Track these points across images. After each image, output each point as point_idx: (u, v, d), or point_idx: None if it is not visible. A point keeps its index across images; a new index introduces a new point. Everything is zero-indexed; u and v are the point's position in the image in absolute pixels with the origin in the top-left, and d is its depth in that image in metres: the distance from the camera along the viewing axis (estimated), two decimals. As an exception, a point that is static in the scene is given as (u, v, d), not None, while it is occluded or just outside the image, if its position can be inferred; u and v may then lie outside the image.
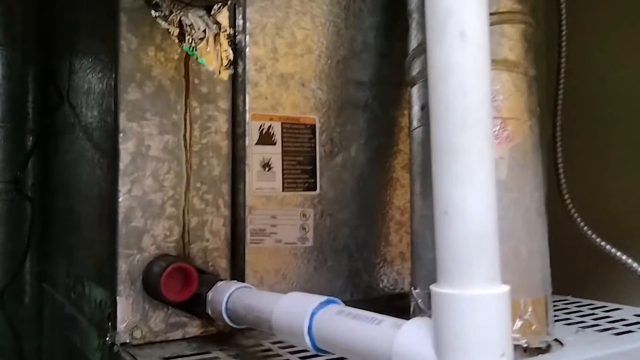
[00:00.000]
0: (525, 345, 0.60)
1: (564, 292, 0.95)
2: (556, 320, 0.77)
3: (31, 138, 1.10)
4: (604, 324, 0.75)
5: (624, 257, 0.84)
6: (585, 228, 0.91)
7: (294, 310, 0.47)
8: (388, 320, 0.39)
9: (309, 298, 0.47)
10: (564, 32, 0.94)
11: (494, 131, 0.64)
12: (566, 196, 0.95)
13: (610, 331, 0.71)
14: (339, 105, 0.77)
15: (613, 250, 0.86)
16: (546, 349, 0.63)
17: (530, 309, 0.61)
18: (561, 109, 0.96)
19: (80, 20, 0.88)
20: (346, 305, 0.46)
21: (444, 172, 0.33)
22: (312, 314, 0.45)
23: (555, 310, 0.84)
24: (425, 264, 0.66)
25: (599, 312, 0.82)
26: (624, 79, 1.05)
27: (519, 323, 0.60)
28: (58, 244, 1.01)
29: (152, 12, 0.66)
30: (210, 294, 0.61)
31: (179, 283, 0.63)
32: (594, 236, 0.89)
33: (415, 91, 0.71)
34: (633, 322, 0.76)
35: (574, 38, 0.94)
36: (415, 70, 0.70)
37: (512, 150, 0.64)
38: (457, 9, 0.33)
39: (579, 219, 0.92)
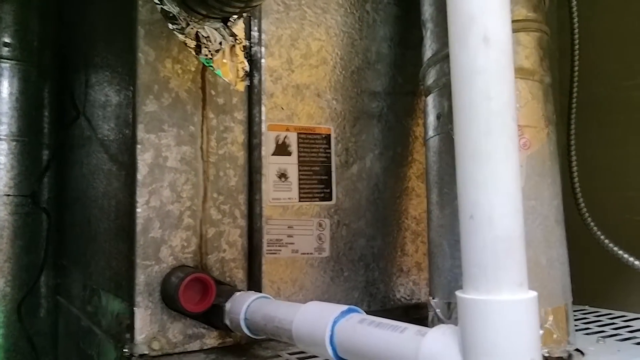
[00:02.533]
0: (546, 354, 0.60)
1: (581, 302, 0.94)
2: (577, 330, 0.76)
3: (47, 152, 1.10)
4: (624, 333, 0.74)
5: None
6: (602, 237, 0.90)
7: (315, 319, 0.46)
8: (412, 328, 0.38)
9: (330, 307, 0.47)
10: (576, 40, 0.94)
11: (511, 139, 0.63)
12: (582, 204, 0.94)
13: (631, 340, 0.70)
14: (354, 116, 0.77)
15: (631, 259, 0.85)
16: (568, 359, 0.62)
17: (551, 318, 0.61)
18: (575, 117, 0.96)
19: (96, 34, 0.89)
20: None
21: (469, 177, 0.33)
22: (334, 323, 0.45)
23: (574, 320, 0.83)
24: (443, 273, 0.66)
25: (618, 322, 0.81)
26: (637, 86, 1.05)
27: (539, 332, 0.60)
28: (74, 256, 1.01)
29: (169, 24, 0.67)
30: (228, 305, 0.61)
31: (197, 294, 0.62)
32: (610, 245, 0.88)
33: (430, 100, 0.71)
34: (654, 331, 0.75)
35: (587, 46, 0.94)
36: (430, 79, 0.70)
37: (530, 158, 0.64)
38: (479, 15, 0.33)
39: (595, 228, 0.91)
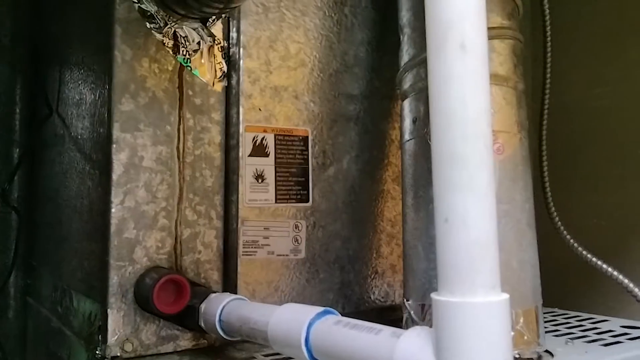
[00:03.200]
0: (517, 356, 0.61)
1: (550, 305, 0.96)
2: (546, 332, 0.77)
3: (18, 150, 1.08)
4: (592, 335, 0.76)
5: (609, 269, 0.85)
6: (572, 241, 0.92)
7: (291, 321, 0.47)
8: (387, 330, 0.39)
9: (305, 309, 0.47)
10: (549, 49, 0.96)
11: (485, 144, 0.65)
12: (552, 209, 0.96)
13: (599, 342, 0.72)
14: (331, 118, 0.78)
15: (599, 262, 0.87)
16: (538, 359, 0.63)
17: (522, 320, 0.62)
18: (546, 123, 0.98)
19: (71, 31, 0.88)
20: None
21: (445, 180, 0.33)
22: (309, 325, 0.45)
23: (544, 322, 0.85)
24: (417, 275, 0.67)
25: (586, 324, 0.83)
26: (605, 95, 1.08)
27: (511, 334, 0.61)
28: (44, 257, 0.99)
29: (147, 23, 0.66)
30: (203, 306, 0.61)
31: (172, 295, 0.62)
32: (580, 249, 0.90)
33: (406, 104, 0.72)
34: (620, 333, 0.77)
35: (558, 54, 0.96)
36: (407, 83, 0.71)
37: (503, 163, 0.65)
38: (457, 21, 0.34)
39: (565, 232, 0.93)
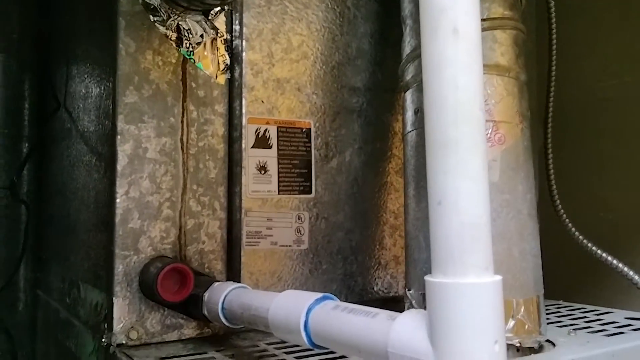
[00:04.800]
0: (517, 344, 0.61)
1: (555, 297, 0.96)
2: (548, 323, 0.77)
3: (27, 144, 1.10)
4: (595, 326, 0.76)
5: (614, 261, 0.85)
6: (577, 233, 0.92)
7: (290, 306, 0.47)
8: (383, 313, 0.39)
9: (305, 295, 0.48)
10: (554, 40, 0.96)
11: (487, 134, 0.65)
12: (557, 202, 0.96)
13: (602, 333, 0.72)
14: (334, 110, 0.78)
15: (604, 255, 0.87)
16: (539, 349, 0.63)
17: (522, 309, 0.62)
18: (552, 115, 0.98)
19: (77, 25, 0.89)
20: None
21: (438, 164, 0.34)
22: (308, 310, 0.45)
23: (547, 314, 0.85)
24: (419, 265, 0.67)
25: (590, 316, 0.83)
26: (614, 87, 1.07)
27: (511, 322, 0.61)
28: (53, 249, 1.01)
29: (151, 16, 0.67)
30: (206, 295, 0.61)
31: (176, 284, 0.63)
32: (585, 241, 0.90)
33: (409, 96, 0.72)
34: (624, 324, 0.77)
35: (565, 45, 0.96)
36: (409, 75, 0.72)
37: (505, 153, 0.65)
38: (450, 7, 0.34)
39: (570, 224, 0.93)
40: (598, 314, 0.84)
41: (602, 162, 1.07)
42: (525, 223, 0.65)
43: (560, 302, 0.95)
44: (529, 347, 0.63)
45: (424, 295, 0.64)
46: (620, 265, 0.85)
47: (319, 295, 0.47)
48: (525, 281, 0.64)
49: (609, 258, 0.86)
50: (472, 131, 0.33)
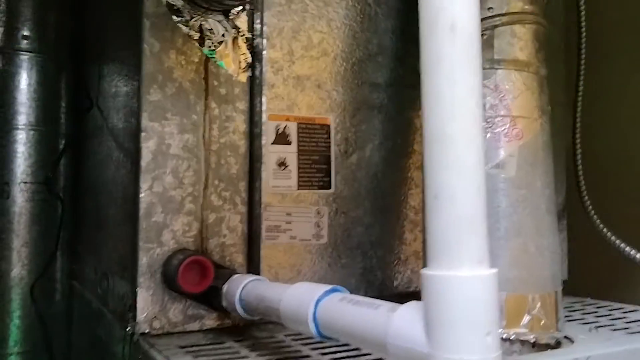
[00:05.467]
0: (533, 340, 0.61)
1: (583, 294, 0.95)
2: (572, 320, 0.77)
3: (63, 141, 1.14)
4: (619, 324, 0.75)
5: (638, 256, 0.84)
6: (605, 230, 0.90)
7: (300, 298, 0.49)
8: (386, 305, 0.40)
9: (314, 287, 0.49)
10: (583, 34, 0.95)
11: (504, 129, 0.65)
12: (586, 197, 0.95)
13: (625, 331, 0.71)
14: (354, 106, 0.79)
15: (633, 252, 0.85)
16: (555, 345, 0.63)
17: (538, 305, 0.62)
18: (580, 109, 0.96)
19: (108, 26, 0.93)
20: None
21: (435, 158, 0.34)
22: (317, 302, 0.47)
23: (571, 311, 0.84)
24: (436, 260, 0.67)
25: (615, 313, 0.82)
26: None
27: (527, 318, 0.61)
28: (87, 242, 1.05)
29: (174, 17, 0.69)
30: (225, 287, 0.63)
31: (197, 275, 0.65)
32: (613, 238, 0.89)
33: (427, 91, 0.72)
34: (649, 322, 0.76)
35: (597, 38, 0.94)
36: (427, 71, 0.72)
37: (522, 148, 0.65)
38: (448, 4, 0.35)
39: (598, 221, 0.92)
40: (624, 312, 0.83)
41: (634, 157, 1.05)
42: (542, 218, 0.65)
43: (587, 299, 0.94)
44: (545, 344, 0.62)
45: (440, 290, 0.64)
46: (647, 261, 0.84)
47: (328, 287, 0.48)
48: (542, 277, 0.63)
49: (638, 255, 0.85)
50: (469, 127, 0.34)
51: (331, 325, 0.45)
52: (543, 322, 0.62)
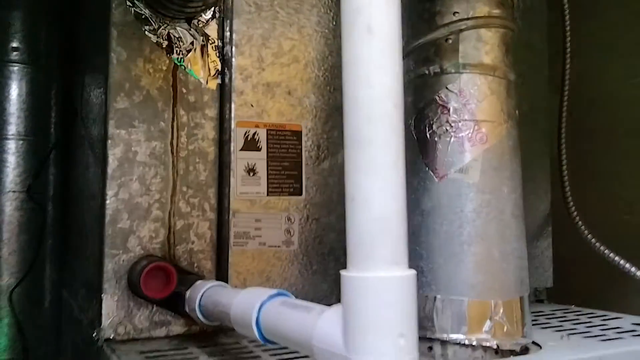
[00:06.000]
0: (495, 346, 0.60)
1: (569, 302, 0.93)
2: (547, 327, 0.75)
3: (53, 151, 1.16)
4: (596, 331, 0.74)
5: (627, 265, 0.82)
6: (590, 236, 0.89)
7: (247, 303, 0.49)
8: (318, 309, 0.40)
9: (261, 292, 0.49)
10: (568, 38, 0.94)
11: (468, 133, 0.64)
12: (571, 205, 0.94)
13: (599, 338, 0.70)
14: (326, 113, 0.79)
15: (617, 258, 0.84)
16: (521, 352, 0.62)
17: (501, 311, 0.61)
18: (566, 116, 0.96)
19: (87, 37, 0.94)
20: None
21: (352, 161, 0.34)
22: (260, 306, 0.47)
23: (550, 318, 0.82)
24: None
25: (596, 321, 0.80)
26: (635, 86, 1.03)
27: (488, 324, 0.60)
28: (73, 250, 1.06)
29: (142, 26, 0.70)
30: (188, 293, 0.63)
31: (161, 282, 0.65)
32: (597, 244, 0.87)
33: (395, 97, 0.72)
34: (628, 330, 0.74)
35: (584, 44, 0.94)
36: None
37: (487, 152, 0.64)
38: (365, 6, 0.35)
39: (583, 228, 0.91)
40: (605, 319, 0.81)
41: (620, 164, 1.03)
42: (507, 224, 0.64)
43: (572, 307, 0.93)
44: (509, 350, 0.61)
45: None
46: (633, 269, 0.82)
47: (274, 291, 0.48)
48: (506, 282, 0.63)
49: (622, 262, 0.83)
50: (385, 129, 0.34)
51: (272, 329, 0.44)
52: (506, 328, 0.61)
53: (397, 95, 0.35)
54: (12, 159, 1.11)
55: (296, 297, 0.74)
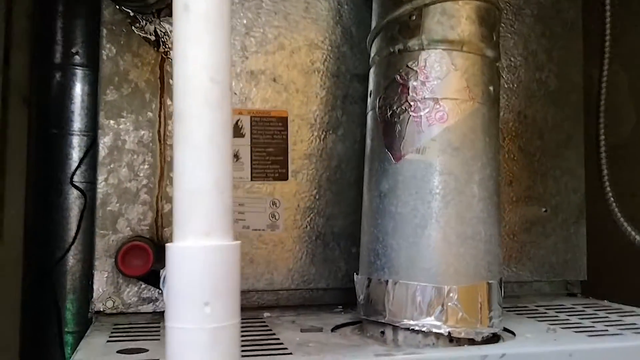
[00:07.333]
0: (446, 333, 0.57)
1: (609, 298, 0.85)
2: (545, 320, 0.70)
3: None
4: (598, 326, 0.67)
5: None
6: (629, 229, 0.81)
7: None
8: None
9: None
10: (607, 19, 0.85)
11: (427, 112, 0.62)
12: (609, 195, 0.86)
13: (592, 332, 0.64)
14: (314, 98, 0.80)
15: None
16: (482, 341, 0.58)
17: (455, 296, 0.58)
18: (604, 109, 0.87)
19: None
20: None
21: (175, 136, 0.36)
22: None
23: (559, 312, 0.76)
24: (363, 249, 0.66)
25: (613, 317, 0.73)
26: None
27: (438, 309, 0.57)
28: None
29: (130, 23, 0.75)
30: (164, 271, 0.67)
31: (141, 260, 0.70)
32: (637, 237, 0.80)
33: (370, 74, 0.71)
34: (637, 326, 0.67)
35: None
36: (373, 51, 0.70)
37: (446, 132, 0.61)
38: (185, -16, 0.36)
39: (622, 219, 0.83)
40: (621, 314, 0.74)
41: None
42: (467, 206, 0.60)
43: (604, 302, 0.85)
44: (467, 338, 0.58)
45: (368, 280, 0.63)
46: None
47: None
48: (463, 267, 0.59)
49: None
50: (199, 102, 0.35)
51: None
52: (461, 315, 0.58)
53: (216, 71, 0.35)
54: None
55: (283, 281, 0.77)
